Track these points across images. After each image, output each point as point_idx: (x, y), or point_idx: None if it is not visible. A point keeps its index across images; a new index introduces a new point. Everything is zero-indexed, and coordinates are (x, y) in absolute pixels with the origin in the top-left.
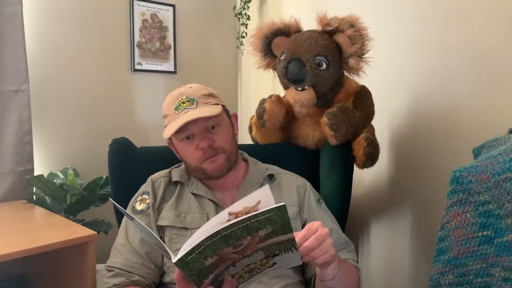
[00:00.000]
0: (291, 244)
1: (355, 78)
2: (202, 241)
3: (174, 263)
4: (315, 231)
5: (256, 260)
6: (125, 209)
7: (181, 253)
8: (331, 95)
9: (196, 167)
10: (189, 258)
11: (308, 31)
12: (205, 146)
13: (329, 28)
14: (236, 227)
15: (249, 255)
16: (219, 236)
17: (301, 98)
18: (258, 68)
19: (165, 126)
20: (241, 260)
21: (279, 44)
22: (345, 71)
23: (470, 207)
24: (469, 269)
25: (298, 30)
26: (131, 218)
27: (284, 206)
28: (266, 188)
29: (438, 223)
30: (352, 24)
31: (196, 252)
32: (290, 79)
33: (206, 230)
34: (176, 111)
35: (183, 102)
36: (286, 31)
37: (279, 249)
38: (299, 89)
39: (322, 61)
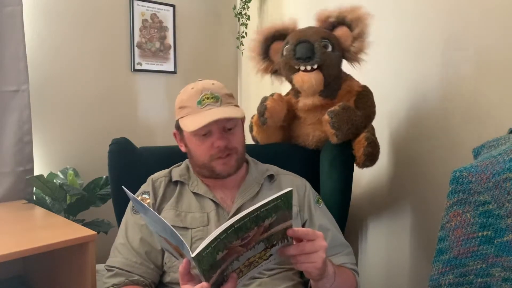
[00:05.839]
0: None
1: (356, 66)
2: (218, 235)
3: (192, 257)
4: (315, 238)
5: (256, 252)
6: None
7: (199, 248)
8: (335, 85)
9: (205, 164)
10: (205, 252)
11: (308, 26)
12: (222, 145)
13: (331, 20)
14: (248, 218)
15: (252, 247)
16: (233, 228)
17: (310, 78)
18: (256, 72)
19: (181, 117)
20: (245, 253)
21: (277, 50)
22: (345, 61)
23: (470, 207)
24: (469, 269)
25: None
26: (146, 211)
27: (291, 191)
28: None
29: (438, 223)
30: (352, 10)
31: (211, 246)
32: (300, 57)
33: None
34: (199, 105)
35: (208, 98)
36: (284, 34)
37: (277, 239)
38: (308, 68)
39: (328, 43)
